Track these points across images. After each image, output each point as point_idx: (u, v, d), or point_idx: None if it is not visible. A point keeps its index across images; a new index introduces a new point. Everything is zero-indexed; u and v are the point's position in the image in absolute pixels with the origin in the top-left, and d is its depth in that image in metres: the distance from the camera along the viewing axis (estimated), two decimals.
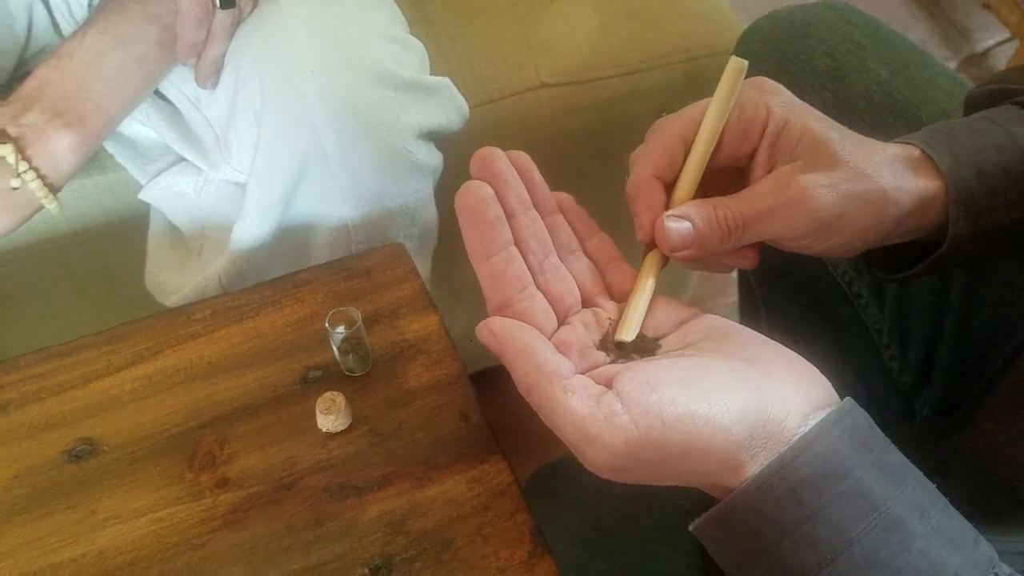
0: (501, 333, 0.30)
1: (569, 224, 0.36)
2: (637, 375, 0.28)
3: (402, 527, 0.37)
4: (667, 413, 0.27)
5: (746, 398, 0.27)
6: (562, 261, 0.35)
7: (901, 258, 0.39)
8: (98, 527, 0.37)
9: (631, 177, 0.36)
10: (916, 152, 0.36)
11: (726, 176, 0.38)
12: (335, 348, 0.42)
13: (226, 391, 0.42)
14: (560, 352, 0.31)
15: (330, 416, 0.40)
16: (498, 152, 0.33)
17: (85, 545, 0.37)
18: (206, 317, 0.45)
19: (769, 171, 0.35)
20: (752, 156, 0.36)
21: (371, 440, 0.40)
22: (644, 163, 0.36)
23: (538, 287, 0.33)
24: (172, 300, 0.59)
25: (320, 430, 0.40)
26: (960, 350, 0.51)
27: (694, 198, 0.36)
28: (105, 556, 0.36)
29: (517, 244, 0.33)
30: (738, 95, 0.35)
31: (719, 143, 0.36)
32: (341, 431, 0.40)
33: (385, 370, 0.43)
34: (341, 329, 0.40)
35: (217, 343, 0.44)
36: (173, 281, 0.60)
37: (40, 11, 0.59)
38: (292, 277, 0.47)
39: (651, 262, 0.35)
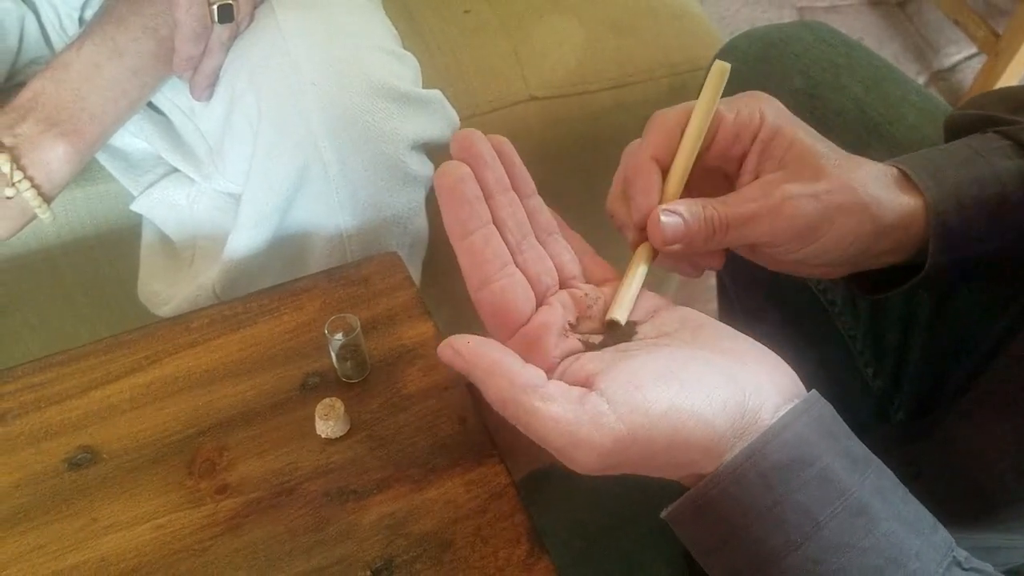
0: (467, 352, 0.29)
1: None
2: (620, 375, 0.28)
3: (402, 529, 0.38)
4: (652, 409, 0.27)
5: (726, 391, 0.28)
6: (540, 243, 0.35)
7: (880, 280, 0.41)
8: (100, 534, 0.38)
9: (629, 161, 0.37)
10: (901, 175, 0.37)
11: (714, 178, 0.39)
12: (333, 355, 0.42)
13: (224, 398, 0.43)
14: (540, 334, 0.31)
15: (329, 422, 0.40)
16: (478, 134, 0.33)
17: (87, 552, 0.37)
18: (204, 326, 0.46)
19: (756, 177, 0.37)
20: (741, 161, 0.37)
21: (370, 445, 0.41)
22: (644, 146, 0.36)
23: (516, 266, 0.33)
24: (164, 310, 0.59)
25: (319, 436, 0.41)
26: (931, 356, 0.52)
27: (681, 197, 0.37)
28: (108, 563, 0.37)
29: (495, 224, 0.33)
30: (731, 100, 0.37)
31: (713, 140, 0.37)
32: (340, 436, 0.41)
33: (382, 376, 0.43)
34: (340, 336, 0.41)
35: (215, 351, 0.44)
36: (165, 291, 0.60)
37: (31, 23, 0.59)
38: (290, 285, 0.47)
39: (643, 251, 0.36)
